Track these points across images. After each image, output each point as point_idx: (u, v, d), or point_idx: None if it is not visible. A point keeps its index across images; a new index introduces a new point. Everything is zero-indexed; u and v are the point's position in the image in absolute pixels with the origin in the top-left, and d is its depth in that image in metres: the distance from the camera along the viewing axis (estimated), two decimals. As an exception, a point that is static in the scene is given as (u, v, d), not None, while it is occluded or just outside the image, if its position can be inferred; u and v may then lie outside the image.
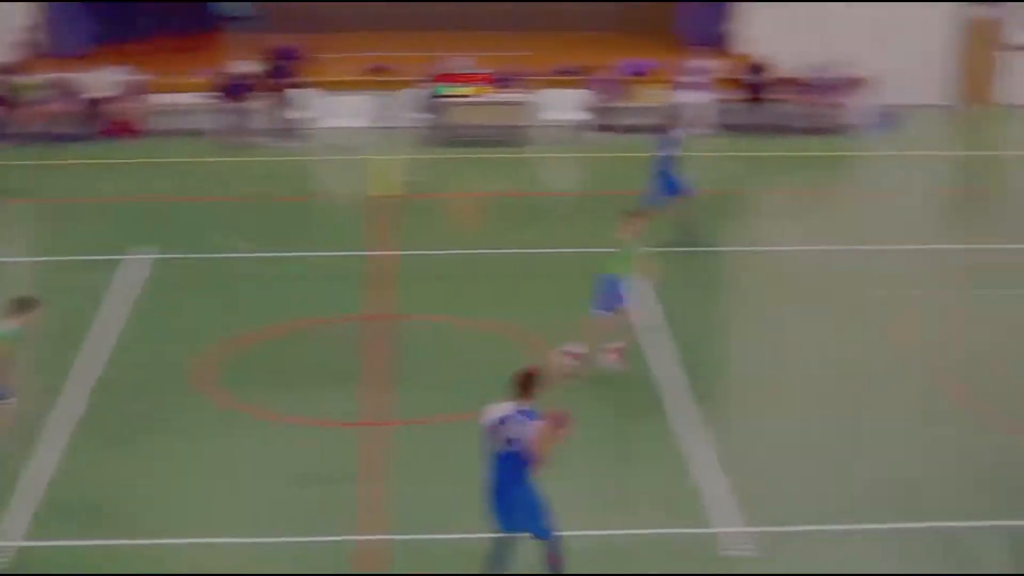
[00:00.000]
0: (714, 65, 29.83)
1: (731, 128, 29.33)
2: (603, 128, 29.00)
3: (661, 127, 22.70)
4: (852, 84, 29.72)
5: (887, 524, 13.72)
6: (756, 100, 29.53)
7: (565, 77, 29.63)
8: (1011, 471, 15.15)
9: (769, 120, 29.48)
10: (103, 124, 28.87)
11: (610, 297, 17.04)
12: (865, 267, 21.40)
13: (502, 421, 11.94)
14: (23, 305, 14.12)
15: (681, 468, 14.85)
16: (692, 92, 29.09)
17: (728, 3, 31.68)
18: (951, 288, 20.63)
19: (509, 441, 11.90)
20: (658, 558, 13.17)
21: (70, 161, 27.52)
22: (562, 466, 14.84)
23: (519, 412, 11.95)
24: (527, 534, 12.20)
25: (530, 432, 11.81)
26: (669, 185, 21.84)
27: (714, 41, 31.72)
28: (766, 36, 30.35)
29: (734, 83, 29.62)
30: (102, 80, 29.12)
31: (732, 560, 13.15)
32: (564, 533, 12.42)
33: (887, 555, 13.30)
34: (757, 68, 29.75)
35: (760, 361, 17.95)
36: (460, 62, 28.90)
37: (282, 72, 28.94)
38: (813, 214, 24.84)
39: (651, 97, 29.49)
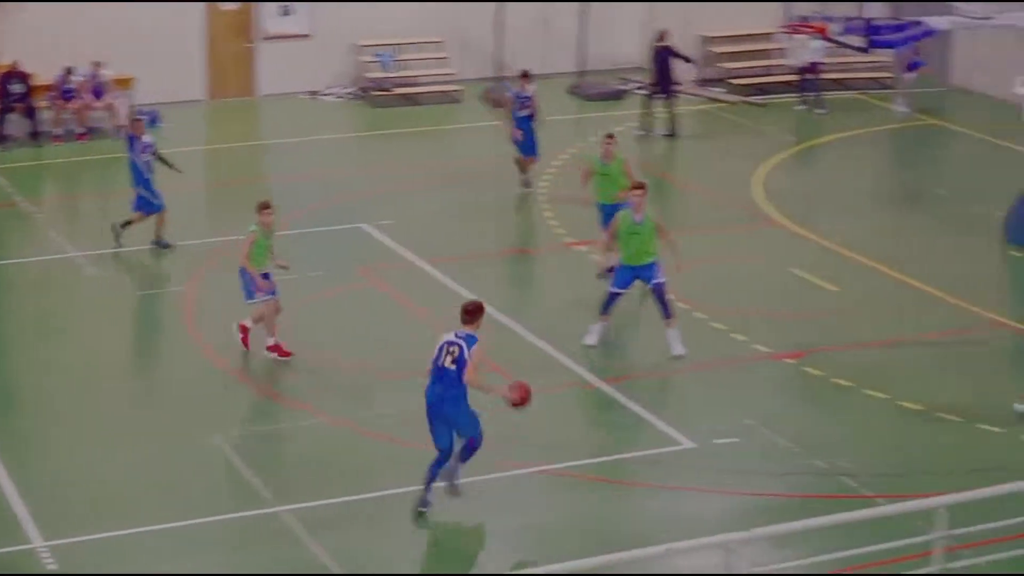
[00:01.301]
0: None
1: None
2: None
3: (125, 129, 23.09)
4: (113, 86, 30.42)
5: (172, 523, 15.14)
6: (15, 110, 29.61)
7: None
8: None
9: (32, 129, 29.66)
10: None
11: (254, 285, 18.93)
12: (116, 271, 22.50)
13: (449, 343, 14.40)
14: None
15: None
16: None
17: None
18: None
19: (452, 360, 14.34)
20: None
21: None
22: None
23: (460, 336, 14.43)
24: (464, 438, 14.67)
25: (467, 354, 14.29)
26: (152, 190, 22.89)
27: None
28: (19, 42, 30.27)
29: (-8, 93, 29.60)
30: None
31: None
32: None
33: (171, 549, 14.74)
34: (17, 76, 29.74)
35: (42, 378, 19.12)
36: None
37: None
38: (90, 219, 25.56)
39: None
